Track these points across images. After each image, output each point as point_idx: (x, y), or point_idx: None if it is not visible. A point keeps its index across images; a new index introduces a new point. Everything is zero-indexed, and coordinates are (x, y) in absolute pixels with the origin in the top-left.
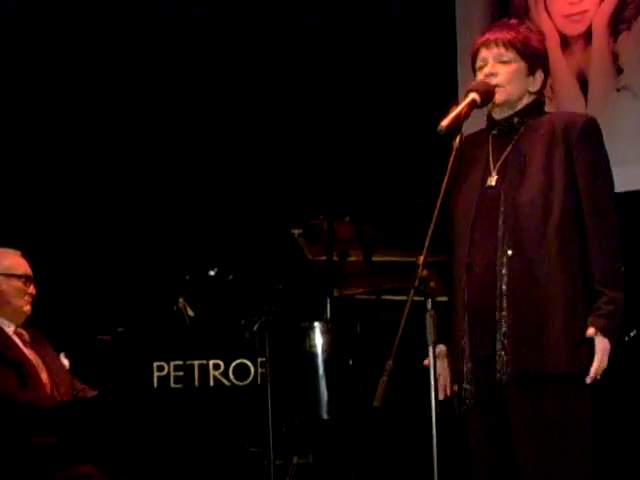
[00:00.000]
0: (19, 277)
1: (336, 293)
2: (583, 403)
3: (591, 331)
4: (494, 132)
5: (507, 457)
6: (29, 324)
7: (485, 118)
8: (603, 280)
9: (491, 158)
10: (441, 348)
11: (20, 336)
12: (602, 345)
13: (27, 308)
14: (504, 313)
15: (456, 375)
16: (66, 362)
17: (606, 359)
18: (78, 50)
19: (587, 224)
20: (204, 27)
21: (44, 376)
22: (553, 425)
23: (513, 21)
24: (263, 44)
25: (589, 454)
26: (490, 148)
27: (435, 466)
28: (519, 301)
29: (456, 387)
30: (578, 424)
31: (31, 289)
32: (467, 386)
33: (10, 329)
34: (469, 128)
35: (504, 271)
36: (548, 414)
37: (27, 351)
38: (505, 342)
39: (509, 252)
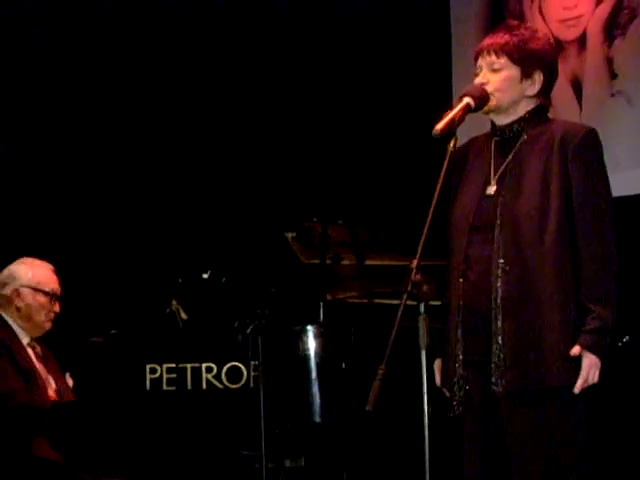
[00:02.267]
0: (46, 294)
1: (329, 297)
2: (576, 415)
3: (575, 350)
4: (496, 138)
5: (499, 462)
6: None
7: (488, 122)
8: (591, 296)
9: (492, 166)
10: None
11: (33, 349)
12: (587, 361)
13: (48, 325)
14: (499, 325)
15: (447, 380)
16: (70, 382)
17: (593, 374)
18: (78, 48)
19: (579, 240)
20: (202, 27)
21: (51, 391)
22: (546, 435)
23: (514, 23)
24: (257, 45)
25: (582, 462)
26: (492, 155)
27: (427, 470)
28: (514, 315)
29: (447, 392)
30: (571, 434)
31: (56, 307)
32: (458, 392)
33: (25, 340)
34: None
35: (499, 284)
36: (541, 425)
37: (38, 365)
38: (500, 355)
39: (504, 266)
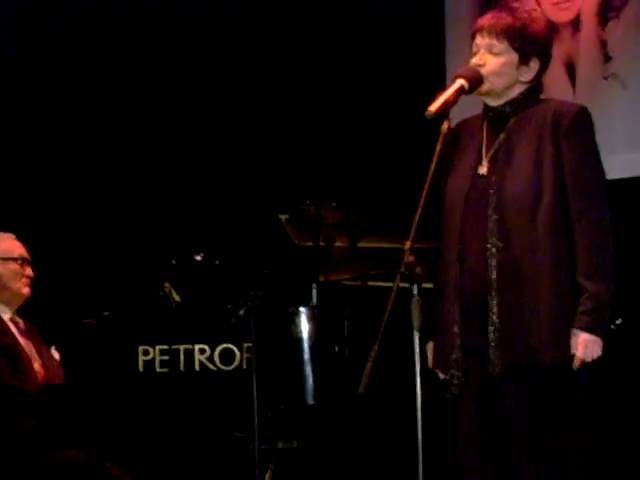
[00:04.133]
0: (15, 260)
1: (322, 279)
2: (577, 394)
3: (573, 341)
4: (488, 119)
5: (498, 444)
6: (22, 312)
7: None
8: (586, 274)
9: (484, 145)
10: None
11: (16, 324)
12: (581, 339)
13: (25, 290)
14: (494, 305)
15: (443, 361)
16: (57, 355)
17: (591, 351)
18: (76, 45)
19: (573, 218)
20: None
21: (37, 366)
22: (547, 416)
23: (515, 4)
24: (251, 32)
25: (584, 442)
26: (484, 135)
27: (419, 452)
28: (508, 294)
29: (441, 374)
30: (574, 415)
31: (28, 271)
32: (456, 372)
33: (6, 316)
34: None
35: (493, 263)
36: (542, 405)
37: (22, 340)
38: (495, 334)
39: (498, 246)
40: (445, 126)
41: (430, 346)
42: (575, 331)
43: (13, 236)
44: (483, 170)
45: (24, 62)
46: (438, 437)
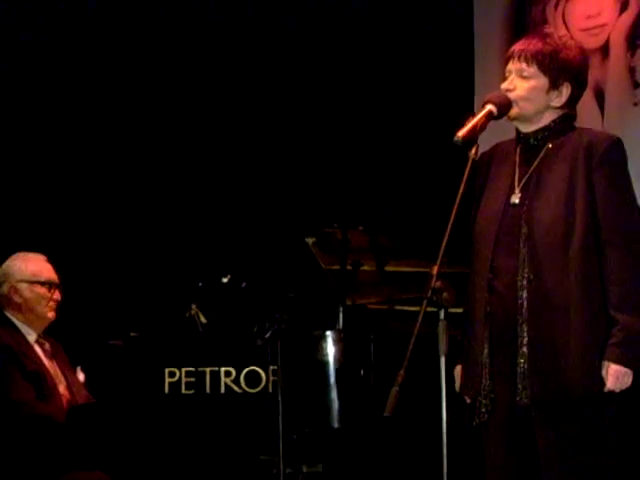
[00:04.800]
0: (42, 284)
1: (349, 302)
2: (605, 424)
3: (604, 372)
4: (520, 146)
5: (525, 472)
6: (48, 332)
7: (510, 128)
8: (617, 305)
9: (517, 173)
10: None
11: (41, 345)
12: (612, 371)
13: (51, 314)
14: (524, 335)
15: (471, 387)
16: (81, 376)
17: (621, 382)
18: (80, 47)
19: (604, 249)
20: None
21: (62, 388)
22: (577, 445)
23: (548, 31)
24: (284, 54)
25: (612, 473)
26: (517, 162)
27: (445, 477)
28: (538, 325)
29: (469, 400)
30: (603, 446)
31: (56, 295)
32: (483, 400)
33: (32, 337)
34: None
35: (524, 294)
36: (572, 435)
37: (47, 362)
38: (525, 365)
39: (529, 276)
40: (473, 151)
41: (458, 370)
42: (606, 363)
43: (43, 258)
44: (515, 199)
45: (25, 63)
46: (464, 463)
